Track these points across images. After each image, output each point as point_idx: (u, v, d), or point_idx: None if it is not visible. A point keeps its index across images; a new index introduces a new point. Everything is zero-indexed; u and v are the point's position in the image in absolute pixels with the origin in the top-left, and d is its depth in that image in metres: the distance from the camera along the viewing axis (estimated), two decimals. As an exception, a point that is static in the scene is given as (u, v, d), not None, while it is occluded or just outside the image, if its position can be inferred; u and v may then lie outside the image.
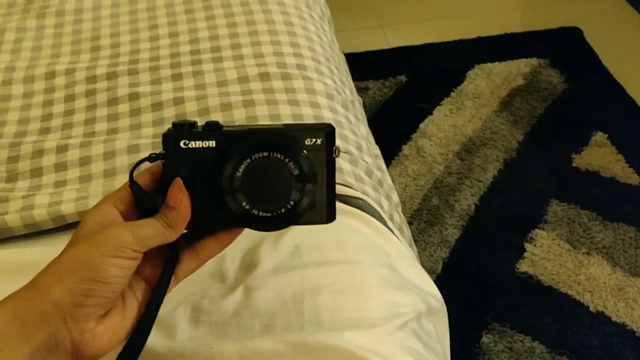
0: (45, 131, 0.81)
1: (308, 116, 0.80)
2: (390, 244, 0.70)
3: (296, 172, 0.45)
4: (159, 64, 0.88)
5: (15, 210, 0.70)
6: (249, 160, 0.44)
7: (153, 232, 0.44)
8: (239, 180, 0.45)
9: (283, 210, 0.45)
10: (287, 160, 0.45)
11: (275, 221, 0.46)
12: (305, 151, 0.45)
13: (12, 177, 0.75)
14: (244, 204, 0.45)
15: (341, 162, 0.77)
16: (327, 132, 0.46)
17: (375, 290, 0.62)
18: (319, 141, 0.46)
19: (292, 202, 0.45)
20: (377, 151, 0.98)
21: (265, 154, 0.44)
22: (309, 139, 0.46)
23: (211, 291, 0.62)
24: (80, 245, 0.43)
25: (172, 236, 0.45)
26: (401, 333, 0.59)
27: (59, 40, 0.94)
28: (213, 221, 0.47)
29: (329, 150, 0.47)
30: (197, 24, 0.94)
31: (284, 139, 0.45)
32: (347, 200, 0.72)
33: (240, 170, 0.44)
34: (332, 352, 0.54)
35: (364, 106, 1.08)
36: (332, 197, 0.48)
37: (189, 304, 0.61)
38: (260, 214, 0.45)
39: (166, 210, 0.45)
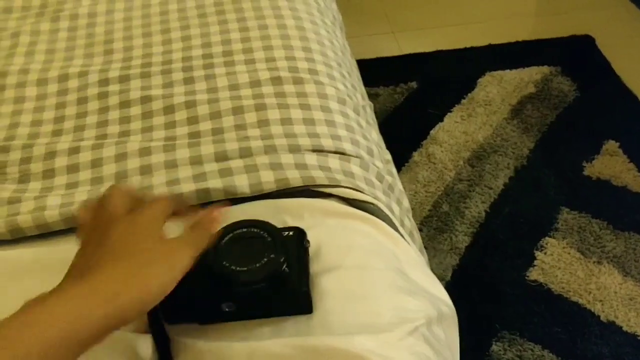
0: (57, 133, 0.81)
1: (319, 120, 0.80)
2: (400, 248, 0.70)
3: (269, 240, 0.56)
4: (171, 67, 0.88)
5: (27, 211, 0.70)
6: (231, 235, 0.56)
7: None
8: (222, 248, 0.55)
9: (258, 265, 0.54)
10: (262, 232, 0.56)
11: (253, 275, 0.54)
12: (277, 229, 0.57)
13: (24, 179, 0.76)
14: (225, 263, 0.54)
15: (352, 167, 0.77)
16: (298, 228, 0.60)
17: (385, 294, 0.61)
18: (291, 233, 0.59)
19: (265, 259, 0.54)
20: (388, 156, 0.98)
21: (245, 229, 0.56)
22: (284, 232, 0.58)
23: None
24: None
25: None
26: (411, 338, 0.59)
27: (72, 43, 0.94)
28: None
29: (300, 240, 0.59)
30: (209, 28, 0.95)
31: (258, 221, 0.57)
32: (358, 204, 0.72)
33: (224, 241, 0.55)
34: (341, 357, 0.54)
35: (375, 112, 1.08)
36: (309, 292, 0.58)
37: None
38: (237, 268, 0.54)
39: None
